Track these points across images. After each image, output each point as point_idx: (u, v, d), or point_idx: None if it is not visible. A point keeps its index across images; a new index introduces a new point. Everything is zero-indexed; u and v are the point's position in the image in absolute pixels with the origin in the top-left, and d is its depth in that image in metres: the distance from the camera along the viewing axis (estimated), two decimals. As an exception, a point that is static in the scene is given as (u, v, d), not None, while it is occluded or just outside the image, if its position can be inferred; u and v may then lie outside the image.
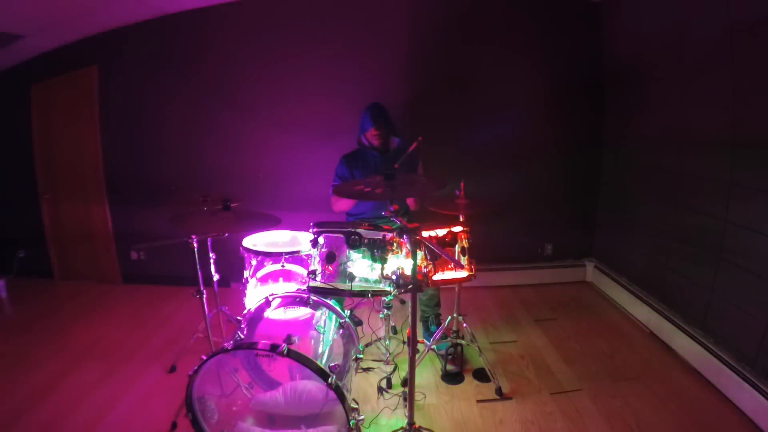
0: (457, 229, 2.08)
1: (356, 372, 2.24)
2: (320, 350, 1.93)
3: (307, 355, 1.61)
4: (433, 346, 2.49)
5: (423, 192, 2.24)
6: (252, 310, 2.00)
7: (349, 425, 1.60)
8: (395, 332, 2.83)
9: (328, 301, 2.06)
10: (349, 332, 2.09)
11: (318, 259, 1.92)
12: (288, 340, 1.59)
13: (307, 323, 2.07)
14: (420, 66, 3.37)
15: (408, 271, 1.77)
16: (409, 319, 1.64)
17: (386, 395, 2.25)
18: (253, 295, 2.32)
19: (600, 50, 3.39)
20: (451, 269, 2.04)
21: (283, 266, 2.28)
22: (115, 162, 3.68)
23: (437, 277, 2.03)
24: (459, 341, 2.47)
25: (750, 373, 2.07)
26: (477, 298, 3.42)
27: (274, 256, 2.27)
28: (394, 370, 2.43)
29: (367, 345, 2.65)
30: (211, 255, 2.23)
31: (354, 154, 2.86)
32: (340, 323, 2.06)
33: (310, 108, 3.45)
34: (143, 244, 3.65)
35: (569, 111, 3.50)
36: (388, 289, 1.85)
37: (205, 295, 2.23)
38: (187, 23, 3.33)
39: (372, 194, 1.67)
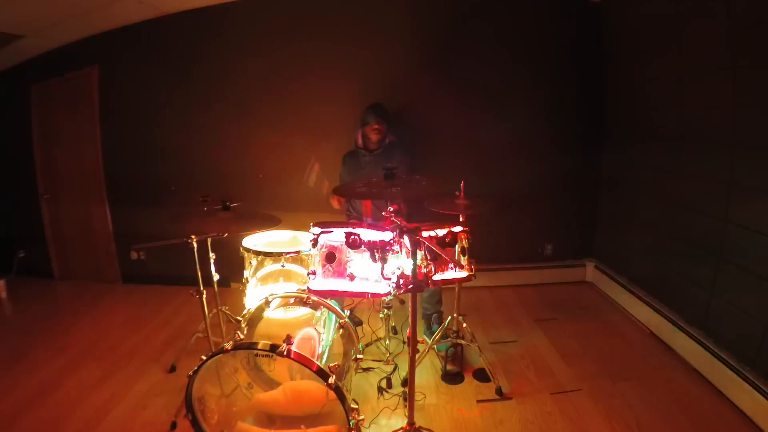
0: (457, 229, 2.08)
1: (356, 372, 2.24)
2: (320, 350, 1.93)
3: (306, 356, 1.61)
4: (434, 346, 2.49)
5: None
6: (252, 310, 2.00)
7: (349, 425, 1.60)
8: (395, 332, 2.83)
9: (328, 301, 2.06)
10: (348, 332, 2.09)
11: (318, 259, 1.92)
12: (288, 340, 1.59)
13: (307, 323, 2.07)
14: (420, 66, 3.37)
15: (408, 271, 1.77)
16: (409, 319, 1.64)
17: (386, 395, 2.25)
18: (253, 295, 2.32)
19: (600, 50, 3.39)
20: (451, 269, 2.04)
21: (283, 266, 2.28)
22: (115, 162, 3.68)
23: (437, 277, 2.02)
24: (459, 341, 2.47)
25: (750, 373, 2.07)
26: (477, 298, 3.42)
27: (274, 256, 2.27)
28: (394, 370, 2.43)
29: (367, 345, 2.65)
30: (211, 255, 2.23)
31: (351, 153, 2.89)
32: (339, 323, 2.06)
33: (309, 108, 3.44)
34: (143, 244, 3.62)
35: (569, 110, 3.50)
36: (388, 289, 1.85)
37: (205, 295, 2.23)
38: (187, 23, 3.33)
39: (366, 194, 1.67)
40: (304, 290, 2.01)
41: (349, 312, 2.21)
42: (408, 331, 1.66)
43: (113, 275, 3.93)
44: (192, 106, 3.50)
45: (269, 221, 2.17)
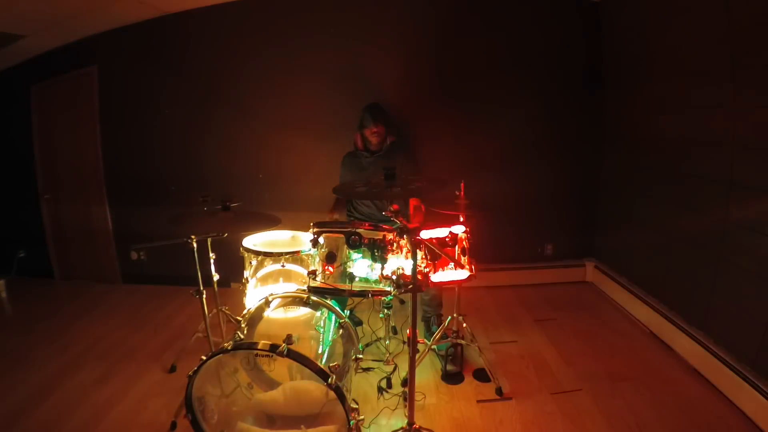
0: (458, 229, 2.08)
1: (356, 372, 2.24)
2: (320, 350, 1.93)
3: (307, 355, 1.61)
4: (433, 346, 2.49)
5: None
6: (252, 310, 2.00)
7: (349, 425, 1.60)
8: (395, 332, 2.83)
9: (328, 301, 2.06)
10: (348, 332, 2.09)
11: (318, 259, 1.92)
12: (288, 340, 1.59)
13: (307, 323, 2.07)
14: (420, 66, 3.37)
15: (408, 271, 1.77)
16: (410, 319, 1.64)
17: (386, 395, 2.25)
18: (253, 295, 2.32)
19: (600, 50, 3.39)
20: (452, 269, 2.05)
21: (283, 266, 2.28)
22: (115, 162, 3.68)
23: (437, 277, 2.03)
24: (459, 341, 2.47)
25: (750, 373, 2.07)
26: (477, 298, 3.42)
27: (274, 256, 2.27)
28: (394, 370, 2.43)
29: (367, 345, 2.65)
30: (211, 255, 2.23)
31: (350, 155, 2.89)
32: (340, 323, 2.06)
33: (309, 108, 3.45)
34: (143, 244, 3.65)
35: (569, 110, 3.50)
36: (388, 289, 1.85)
37: (204, 295, 2.23)
38: (187, 23, 3.33)
39: (365, 193, 1.67)
40: (304, 290, 2.01)
41: (349, 312, 2.21)
42: (408, 330, 1.66)
43: (113, 275, 3.93)
44: (192, 106, 3.51)
45: (269, 221, 2.17)
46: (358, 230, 1.84)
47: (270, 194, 3.52)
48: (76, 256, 3.99)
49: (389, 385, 2.32)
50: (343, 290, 1.87)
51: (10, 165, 3.90)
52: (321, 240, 1.91)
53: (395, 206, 1.64)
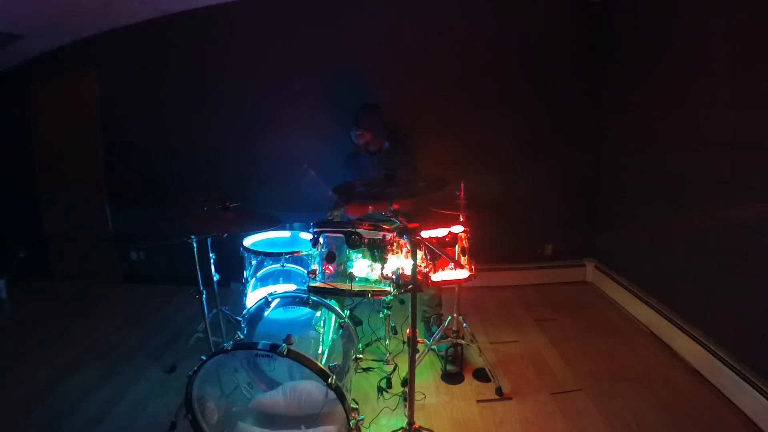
0: (457, 229, 2.08)
1: (356, 372, 2.24)
2: (320, 350, 1.93)
3: (307, 356, 1.61)
4: (433, 346, 2.49)
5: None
6: (252, 310, 2.00)
7: (349, 425, 1.60)
8: (395, 332, 2.83)
9: (327, 301, 2.06)
10: (348, 332, 2.09)
11: (318, 259, 1.92)
12: (288, 340, 1.59)
13: (307, 323, 2.07)
14: (420, 66, 3.36)
15: (408, 271, 1.77)
16: (409, 319, 1.64)
17: (386, 395, 2.25)
18: (253, 295, 2.32)
19: (600, 49, 3.39)
20: (452, 269, 2.05)
21: (283, 266, 2.28)
22: (115, 162, 3.68)
23: (437, 277, 2.03)
24: (459, 341, 2.47)
25: (750, 373, 2.07)
26: (477, 298, 3.42)
27: (274, 256, 2.27)
28: (394, 370, 2.43)
29: (367, 345, 2.65)
30: (211, 255, 2.23)
31: (352, 155, 2.88)
32: (339, 323, 2.06)
33: (310, 108, 3.44)
34: (143, 244, 3.65)
35: (569, 110, 3.50)
36: (388, 289, 1.85)
37: (205, 295, 2.23)
38: (187, 23, 3.33)
39: (365, 193, 1.68)
40: (304, 290, 2.01)
41: (349, 312, 2.21)
42: (408, 330, 1.66)
43: (113, 275, 3.92)
44: (192, 106, 3.50)
45: (269, 221, 2.17)
46: (358, 230, 1.84)
47: (270, 194, 3.51)
48: (76, 256, 3.98)
49: (389, 385, 2.32)
50: (343, 290, 1.87)
51: (10, 165, 3.90)
52: (321, 240, 1.91)
53: (395, 206, 1.64)
